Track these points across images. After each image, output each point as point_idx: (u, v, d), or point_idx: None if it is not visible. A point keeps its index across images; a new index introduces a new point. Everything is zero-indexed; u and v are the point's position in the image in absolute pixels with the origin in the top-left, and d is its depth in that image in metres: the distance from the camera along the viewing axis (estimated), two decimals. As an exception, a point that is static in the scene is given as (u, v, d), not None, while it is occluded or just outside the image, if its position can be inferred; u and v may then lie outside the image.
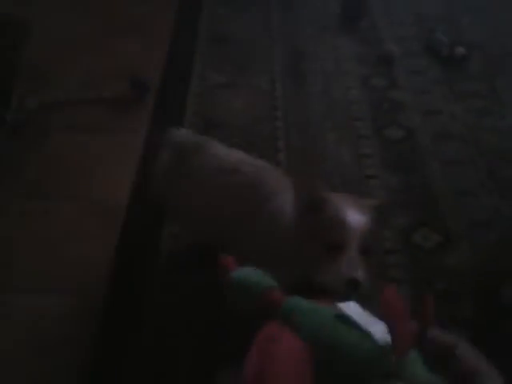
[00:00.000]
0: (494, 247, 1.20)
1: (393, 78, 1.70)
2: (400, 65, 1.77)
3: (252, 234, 0.89)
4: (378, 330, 0.51)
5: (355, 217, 0.78)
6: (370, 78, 1.69)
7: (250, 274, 0.60)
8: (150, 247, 1.15)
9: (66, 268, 1.12)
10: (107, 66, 1.69)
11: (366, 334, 0.51)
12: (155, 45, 1.82)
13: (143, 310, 1.02)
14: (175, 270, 1.09)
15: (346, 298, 0.56)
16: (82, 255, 1.15)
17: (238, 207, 0.92)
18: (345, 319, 0.52)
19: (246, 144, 1.42)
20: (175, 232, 1.15)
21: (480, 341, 0.56)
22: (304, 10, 2.03)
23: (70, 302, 1.06)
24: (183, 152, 1.01)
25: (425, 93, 1.65)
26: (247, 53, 1.79)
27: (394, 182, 1.33)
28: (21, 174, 1.33)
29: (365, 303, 0.55)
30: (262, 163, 0.98)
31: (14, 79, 1.39)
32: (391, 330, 0.51)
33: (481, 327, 1.03)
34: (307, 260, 0.79)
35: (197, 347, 0.96)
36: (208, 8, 2.03)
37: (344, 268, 0.75)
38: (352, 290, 0.73)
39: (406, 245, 1.17)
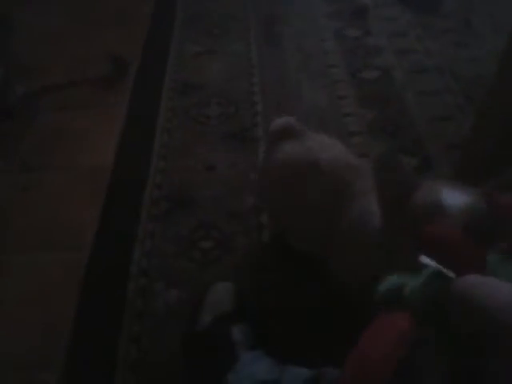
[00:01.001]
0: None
1: (367, 28, 1.72)
2: (373, 15, 1.79)
3: (340, 231, 0.82)
4: None
5: (454, 197, 0.62)
6: (344, 30, 1.72)
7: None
8: (132, 204, 1.19)
9: (59, 228, 1.17)
10: (90, 52, 1.75)
11: None
12: (136, 30, 1.89)
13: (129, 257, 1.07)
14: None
15: None
16: (74, 216, 1.20)
17: (326, 203, 0.84)
18: None
19: (224, 101, 1.47)
20: (264, 221, 1.10)
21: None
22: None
23: (63, 256, 1.11)
24: (277, 139, 0.93)
25: (399, 35, 1.66)
26: (223, 24, 1.83)
27: (370, 116, 1.35)
28: (13, 149, 1.39)
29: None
30: (357, 161, 0.88)
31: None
32: None
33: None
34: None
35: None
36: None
37: None
38: None
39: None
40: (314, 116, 1.36)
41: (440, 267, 0.52)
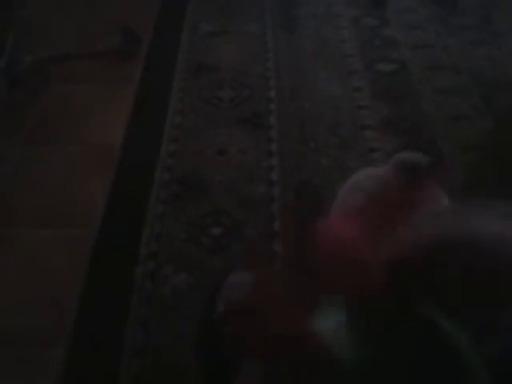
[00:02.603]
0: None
1: (384, 18, 1.69)
2: (392, 5, 1.76)
3: None
4: None
5: None
6: (361, 19, 1.69)
7: None
8: (141, 186, 1.17)
9: (66, 204, 1.15)
10: (102, 22, 1.71)
11: None
12: (148, 3, 1.84)
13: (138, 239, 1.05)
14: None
15: None
16: (82, 193, 1.18)
17: None
18: None
19: (238, 84, 1.45)
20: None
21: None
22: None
23: (70, 232, 1.10)
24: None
25: (417, 29, 1.64)
26: (238, 4, 1.80)
27: (385, 110, 1.33)
28: (21, 122, 1.36)
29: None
30: None
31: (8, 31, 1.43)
32: None
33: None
34: None
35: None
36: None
37: None
38: None
39: (398, 167, 1.19)
40: (328, 106, 1.35)
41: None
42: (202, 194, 1.13)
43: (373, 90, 1.40)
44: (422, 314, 0.47)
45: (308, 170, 1.18)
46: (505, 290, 0.47)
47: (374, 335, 0.48)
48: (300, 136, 1.27)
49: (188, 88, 1.42)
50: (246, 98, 1.38)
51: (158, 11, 1.78)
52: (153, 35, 1.64)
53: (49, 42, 1.63)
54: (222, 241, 1.04)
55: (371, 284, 0.49)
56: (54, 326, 0.93)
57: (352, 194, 0.84)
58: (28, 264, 1.04)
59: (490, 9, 1.71)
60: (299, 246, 0.57)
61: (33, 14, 1.61)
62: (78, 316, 0.93)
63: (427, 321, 0.47)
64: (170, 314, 0.92)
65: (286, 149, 1.24)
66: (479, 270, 0.48)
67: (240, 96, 1.39)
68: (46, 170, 1.24)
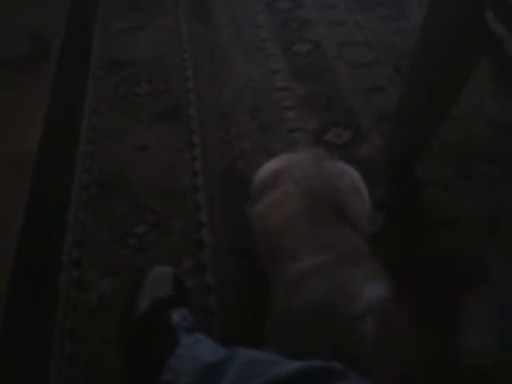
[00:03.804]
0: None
1: (298, 0, 1.72)
2: (304, -13, 1.79)
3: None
4: None
5: None
6: (275, 2, 1.69)
7: None
8: (60, 191, 1.12)
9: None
10: (9, 28, 1.63)
11: None
12: (56, 5, 1.77)
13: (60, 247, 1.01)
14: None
15: None
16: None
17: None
18: None
19: (155, 78, 1.41)
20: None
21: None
22: None
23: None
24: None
25: (329, 8, 1.67)
26: (150, -2, 1.77)
27: (303, 90, 1.34)
28: None
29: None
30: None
31: None
32: None
33: (396, 202, 1.07)
34: None
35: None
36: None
37: None
38: None
39: (318, 144, 1.20)
40: (247, 91, 1.34)
41: None
42: (123, 193, 1.09)
43: (290, 71, 1.41)
44: None
45: (231, 157, 1.18)
46: None
47: None
48: (221, 123, 1.26)
49: (103, 86, 1.37)
50: (163, 91, 1.35)
51: (67, 12, 1.71)
52: (64, 37, 1.57)
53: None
54: (148, 238, 1.01)
55: None
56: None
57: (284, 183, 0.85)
58: None
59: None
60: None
61: None
62: (2, 329, 0.89)
63: None
64: (96, 319, 0.89)
65: (207, 138, 1.23)
66: None
67: (157, 89, 1.35)
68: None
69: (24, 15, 1.67)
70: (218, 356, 0.67)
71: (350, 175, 0.91)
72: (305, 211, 0.81)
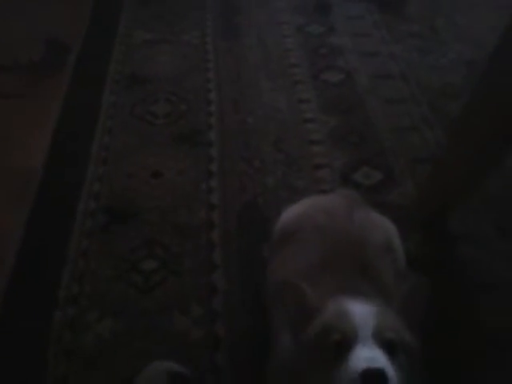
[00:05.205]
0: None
1: (330, 25, 1.62)
2: (337, 12, 1.70)
3: None
4: None
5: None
6: (306, 26, 1.61)
7: None
8: (63, 216, 1.03)
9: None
10: (25, 33, 1.55)
11: None
12: (77, 7, 1.70)
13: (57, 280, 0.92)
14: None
15: None
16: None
17: None
18: None
19: (175, 98, 1.33)
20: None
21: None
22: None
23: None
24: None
25: (363, 36, 1.58)
26: (177, 11, 1.67)
27: (331, 123, 1.25)
28: None
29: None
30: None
31: None
32: None
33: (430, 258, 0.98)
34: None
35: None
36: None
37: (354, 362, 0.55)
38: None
39: (346, 184, 1.10)
40: (272, 120, 1.26)
41: None
42: (132, 223, 1.01)
43: (319, 102, 1.32)
44: None
45: (252, 191, 1.09)
46: None
47: None
48: (243, 153, 1.17)
49: (119, 103, 1.29)
50: (183, 113, 1.26)
51: (89, 19, 1.64)
52: (82, 45, 1.50)
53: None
54: (155, 277, 0.92)
55: None
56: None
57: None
58: None
59: (434, 17, 1.68)
60: None
61: None
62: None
63: None
64: (92, 368, 0.80)
65: (227, 168, 1.14)
66: None
67: (176, 111, 1.27)
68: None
69: (39, 21, 1.60)
70: None
71: (383, 230, 0.82)
72: (326, 265, 0.72)
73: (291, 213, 0.86)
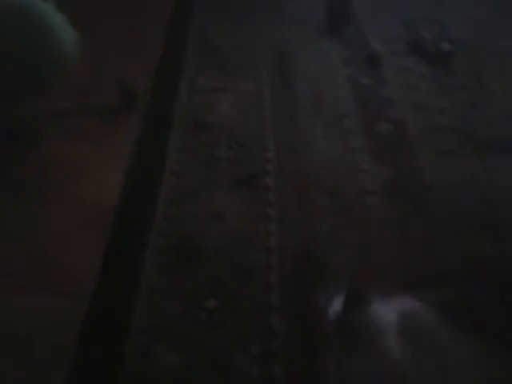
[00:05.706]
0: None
1: (380, 77, 1.72)
2: (387, 64, 1.79)
3: None
4: None
5: None
6: (357, 77, 1.71)
7: None
8: (135, 252, 1.12)
9: (50, 269, 1.10)
10: (97, 77, 1.71)
11: None
12: (146, 57, 1.85)
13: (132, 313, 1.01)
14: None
15: None
16: (72, 256, 1.14)
17: None
18: None
19: (235, 144, 1.43)
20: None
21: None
22: (291, 14, 2.06)
23: (58, 302, 1.05)
24: None
25: (412, 88, 1.66)
26: (235, 59, 1.81)
27: (383, 174, 1.32)
28: (12, 179, 1.32)
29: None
30: None
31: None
32: None
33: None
34: None
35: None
36: (198, 20, 2.07)
37: None
38: None
39: (400, 241, 1.14)
40: (325, 169, 1.33)
41: None
42: (197, 262, 1.09)
43: (371, 152, 1.40)
44: None
45: (307, 237, 1.16)
46: None
47: None
48: (298, 199, 1.25)
49: (184, 147, 1.40)
50: (242, 158, 1.37)
51: (156, 64, 1.79)
52: (150, 90, 1.65)
53: (45, 95, 1.62)
54: (218, 315, 0.99)
55: None
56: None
57: None
58: (12, 331, 0.97)
59: (480, 69, 1.74)
60: None
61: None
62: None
63: None
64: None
65: (283, 213, 1.22)
66: None
67: (237, 156, 1.37)
68: (35, 232, 1.19)
69: (110, 64, 1.74)
70: None
71: None
72: None
73: None
